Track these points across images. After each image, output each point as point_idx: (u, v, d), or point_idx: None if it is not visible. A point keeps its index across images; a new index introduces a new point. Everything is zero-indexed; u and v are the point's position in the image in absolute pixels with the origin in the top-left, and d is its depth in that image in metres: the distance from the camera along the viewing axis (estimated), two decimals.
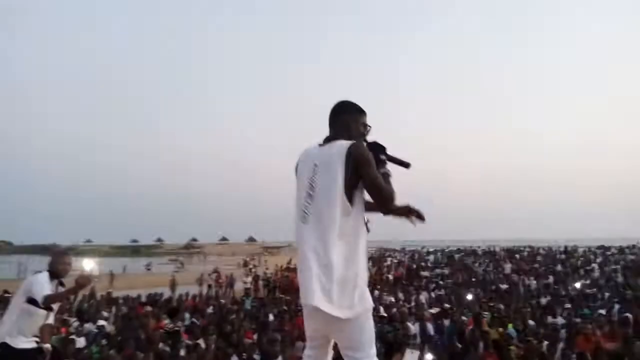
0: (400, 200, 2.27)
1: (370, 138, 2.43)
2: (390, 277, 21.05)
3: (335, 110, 2.41)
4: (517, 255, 28.94)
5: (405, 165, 2.43)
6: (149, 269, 45.39)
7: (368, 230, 2.28)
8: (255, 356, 6.90)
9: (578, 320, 9.16)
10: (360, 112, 2.42)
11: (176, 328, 9.13)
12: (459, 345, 7.09)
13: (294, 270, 16.50)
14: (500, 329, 8.23)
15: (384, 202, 2.20)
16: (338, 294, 2.08)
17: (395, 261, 29.66)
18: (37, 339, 4.00)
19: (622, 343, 7.38)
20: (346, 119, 2.37)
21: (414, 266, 26.05)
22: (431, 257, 31.81)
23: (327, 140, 2.34)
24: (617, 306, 11.25)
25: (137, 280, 29.40)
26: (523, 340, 7.50)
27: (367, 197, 2.27)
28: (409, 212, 2.31)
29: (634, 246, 29.52)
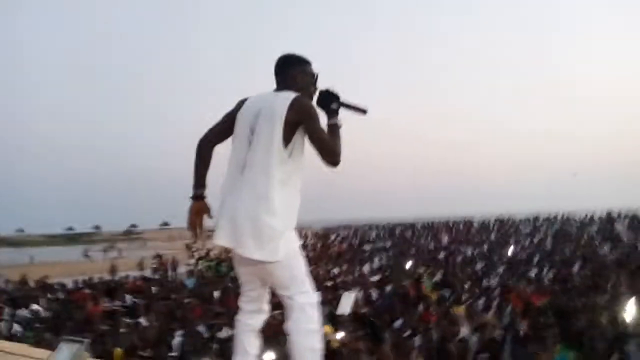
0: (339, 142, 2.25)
1: (322, 86, 2.39)
2: (334, 252, 21.39)
3: (279, 66, 2.38)
4: (454, 228, 30.11)
5: (362, 111, 2.38)
6: (87, 256, 43.65)
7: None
8: (201, 329, 6.86)
9: (510, 282, 9.70)
10: (306, 63, 2.39)
11: (114, 307, 8.94)
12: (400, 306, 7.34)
13: None
14: (437, 292, 8.62)
15: (327, 157, 2.20)
16: (267, 240, 2.14)
17: (339, 237, 30.15)
18: None
19: (549, 298, 7.93)
20: (291, 72, 2.35)
21: (357, 241, 26.58)
22: (373, 233, 32.53)
23: (275, 91, 2.33)
24: (546, 268, 12.01)
25: (75, 267, 28.33)
26: (459, 301, 7.89)
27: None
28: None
29: (555, 217, 31.39)
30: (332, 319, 4.83)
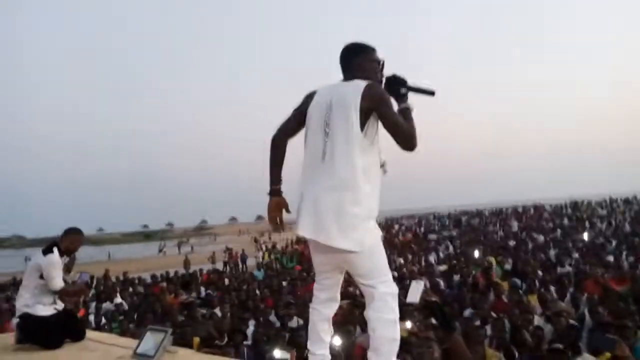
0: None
1: (388, 72, 2.38)
2: (398, 241, 21.23)
3: (344, 56, 2.38)
4: (524, 214, 29.04)
5: (430, 93, 2.36)
6: (162, 252, 45.78)
7: (385, 171, 2.31)
8: (272, 318, 7.07)
9: (586, 268, 9.26)
10: (370, 50, 2.38)
11: (191, 299, 9.35)
12: (469, 296, 7.21)
13: (303, 242, 16.74)
14: (507, 281, 8.37)
15: (404, 141, 2.18)
16: (352, 229, 2.15)
17: (403, 227, 29.91)
18: (56, 306, 4.11)
19: (630, 284, 7.50)
20: (357, 61, 2.35)
21: (422, 230, 26.24)
22: (438, 221, 31.99)
23: (344, 81, 2.34)
24: (625, 253, 11.36)
25: (151, 263, 29.85)
26: (532, 290, 7.64)
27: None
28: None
29: (634, 197, 29.57)
30: (400, 308, 4.84)
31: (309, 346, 2.42)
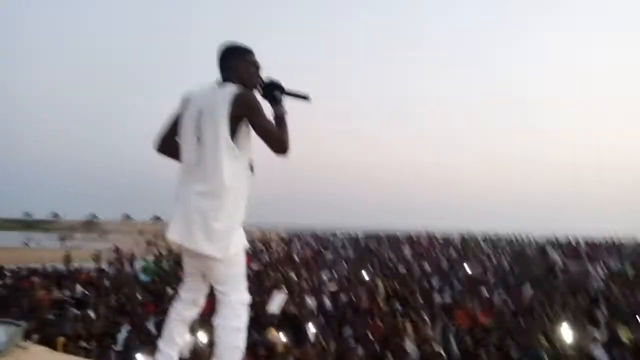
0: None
1: (265, 76, 2.41)
2: (296, 258, 21.39)
3: (222, 56, 2.38)
4: (417, 241, 30.48)
5: (305, 97, 2.41)
6: (27, 245, 42.50)
7: (252, 171, 2.35)
8: (149, 325, 6.79)
9: (464, 299, 9.89)
10: (248, 53, 2.39)
11: (64, 298, 8.77)
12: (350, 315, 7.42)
13: None
14: (389, 305, 8.73)
15: (275, 147, 2.25)
16: (218, 237, 2.18)
17: (304, 243, 30.22)
18: None
19: (495, 319, 8.14)
20: (234, 63, 2.35)
21: (320, 248, 26.64)
22: (337, 241, 32.66)
23: (218, 83, 2.35)
24: (499, 290, 12.29)
25: (27, 254, 27.55)
26: (409, 315, 8.02)
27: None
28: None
29: (517, 238, 32.23)
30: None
31: (159, 343, 2.42)
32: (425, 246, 27.65)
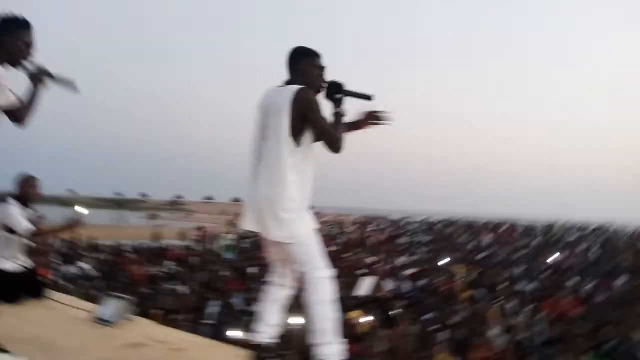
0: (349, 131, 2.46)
1: (328, 77, 2.53)
2: (373, 240, 21.44)
3: (290, 59, 2.53)
4: (496, 229, 29.48)
5: (367, 97, 2.52)
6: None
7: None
8: (235, 300, 7.11)
9: (548, 289, 9.51)
10: (314, 56, 2.53)
11: (157, 274, 9.35)
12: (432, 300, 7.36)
13: None
14: (471, 291, 8.56)
15: (328, 145, 2.39)
16: (286, 223, 2.36)
17: (379, 227, 30.17)
18: (19, 261, 4.02)
19: (584, 309, 7.76)
20: (301, 65, 2.50)
21: (395, 233, 26.49)
22: (413, 226, 32.28)
23: (286, 84, 2.49)
24: (589, 279, 11.66)
25: (120, 232, 29.47)
26: (491, 302, 7.82)
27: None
28: (369, 121, 2.54)
29: (600, 227, 30.35)
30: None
31: (254, 325, 2.58)
32: (507, 233, 26.71)
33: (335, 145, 2.38)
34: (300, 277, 2.46)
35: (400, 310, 5.15)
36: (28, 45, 2.41)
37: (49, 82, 2.47)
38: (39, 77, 2.45)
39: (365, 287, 4.28)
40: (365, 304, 4.78)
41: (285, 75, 2.55)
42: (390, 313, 3.91)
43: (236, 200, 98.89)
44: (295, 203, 2.38)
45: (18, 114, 2.41)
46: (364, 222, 35.18)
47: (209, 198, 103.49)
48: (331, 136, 2.38)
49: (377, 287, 5.78)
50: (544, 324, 6.13)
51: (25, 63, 2.44)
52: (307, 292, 2.39)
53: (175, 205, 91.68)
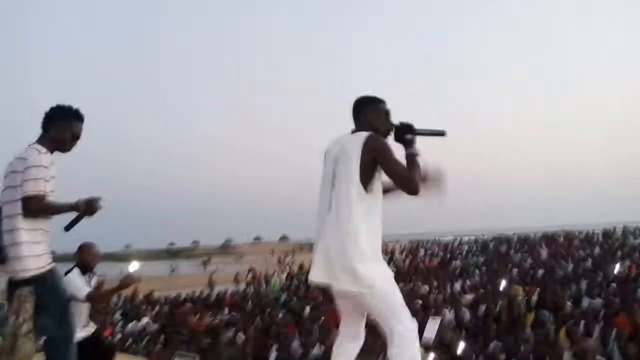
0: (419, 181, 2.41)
1: (396, 120, 2.55)
2: (424, 267, 20.98)
3: (354, 109, 2.58)
4: (554, 241, 28.31)
5: (440, 134, 2.53)
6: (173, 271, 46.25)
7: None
8: (294, 344, 7.11)
9: (617, 302, 9.00)
10: (379, 103, 2.57)
11: (216, 323, 9.45)
12: (494, 328, 7.12)
13: None
14: (533, 314, 8.21)
15: (405, 188, 2.37)
16: (360, 273, 2.28)
17: (429, 252, 29.53)
18: (87, 328, 4.20)
19: None
20: (367, 115, 2.53)
21: (448, 256, 25.86)
22: (465, 247, 31.42)
23: (353, 131, 2.52)
24: None
25: (175, 281, 30.05)
26: (557, 323, 7.47)
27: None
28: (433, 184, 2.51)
29: None
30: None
31: None
32: (565, 245, 25.60)
33: (411, 187, 2.35)
34: (382, 331, 2.38)
35: (464, 346, 4.99)
36: (76, 136, 2.58)
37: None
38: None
39: (430, 330, 4.18)
40: (430, 349, 4.67)
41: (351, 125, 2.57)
42: (457, 354, 3.80)
43: (283, 238, 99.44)
44: (368, 252, 2.31)
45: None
46: (413, 248, 34.50)
47: (257, 238, 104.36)
48: (406, 178, 2.36)
49: (441, 327, 5.63)
50: (616, 344, 5.82)
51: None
52: (391, 348, 2.32)
53: (225, 249, 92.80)
